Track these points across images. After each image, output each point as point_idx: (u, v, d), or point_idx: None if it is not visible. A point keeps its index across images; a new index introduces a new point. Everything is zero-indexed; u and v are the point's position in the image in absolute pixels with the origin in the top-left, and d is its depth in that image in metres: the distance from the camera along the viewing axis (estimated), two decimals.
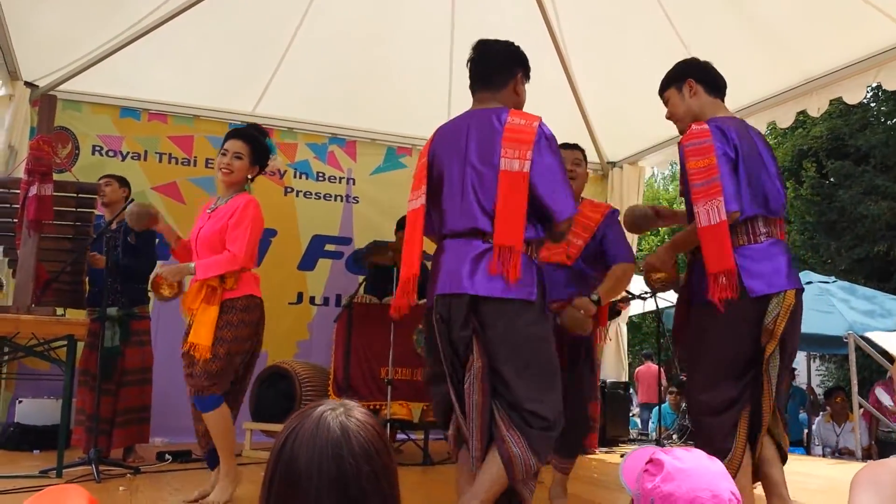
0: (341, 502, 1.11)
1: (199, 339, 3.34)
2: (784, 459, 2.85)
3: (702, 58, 3.08)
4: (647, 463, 1.54)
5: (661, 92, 3.09)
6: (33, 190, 3.95)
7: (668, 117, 3.09)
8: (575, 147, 3.53)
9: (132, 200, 4.61)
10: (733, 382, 2.71)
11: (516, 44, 2.82)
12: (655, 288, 3.25)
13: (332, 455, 1.12)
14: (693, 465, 1.51)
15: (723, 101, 3.03)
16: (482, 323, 2.51)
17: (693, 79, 2.97)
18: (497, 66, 2.77)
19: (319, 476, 1.11)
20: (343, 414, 1.18)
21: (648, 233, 20.72)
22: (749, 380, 2.74)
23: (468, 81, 2.82)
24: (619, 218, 3.44)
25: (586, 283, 3.27)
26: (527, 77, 2.84)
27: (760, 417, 2.73)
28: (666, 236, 19.47)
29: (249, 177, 3.63)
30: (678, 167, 3.02)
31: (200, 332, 3.35)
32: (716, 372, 2.73)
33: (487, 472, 2.47)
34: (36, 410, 5.14)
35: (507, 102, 2.72)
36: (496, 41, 2.80)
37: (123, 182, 4.93)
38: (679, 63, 3.08)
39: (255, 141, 3.66)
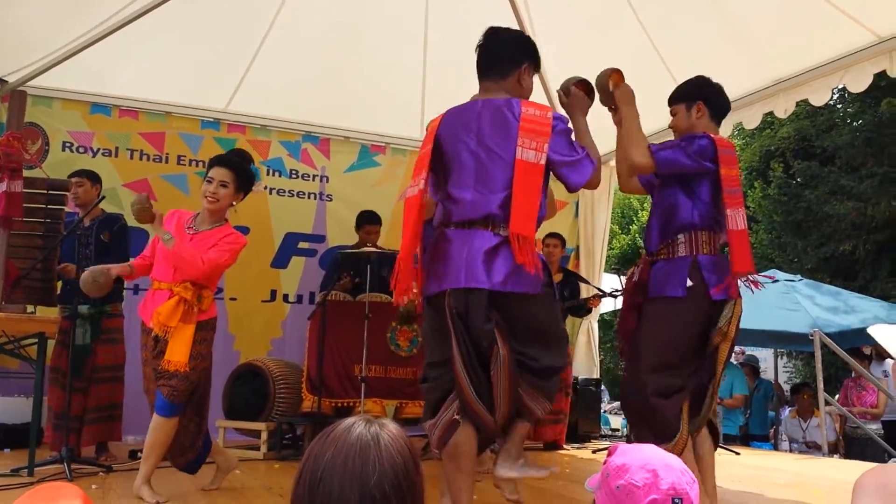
0: (363, 500, 1.10)
1: (176, 357, 3.40)
2: (716, 442, 3.14)
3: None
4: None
5: (671, 103, 3.22)
6: (3, 186, 3.91)
7: (671, 126, 3.25)
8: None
9: (103, 197, 4.58)
10: (679, 370, 2.93)
11: (526, 34, 2.81)
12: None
13: (358, 453, 1.12)
14: (647, 447, 1.60)
15: (719, 124, 3.19)
16: (503, 315, 2.56)
17: (703, 101, 3.11)
18: (503, 56, 2.76)
19: (343, 471, 1.11)
20: (376, 424, 1.19)
21: (619, 232, 20.86)
22: (691, 371, 2.97)
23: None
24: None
25: None
26: (535, 68, 2.84)
27: (703, 403, 3.02)
28: (637, 235, 19.63)
29: (234, 203, 3.66)
30: None
31: (178, 351, 3.41)
32: (668, 355, 2.93)
33: (517, 434, 2.71)
34: (5, 408, 5.09)
35: (511, 92, 2.71)
36: (506, 30, 2.80)
37: (95, 179, 4.83)
38: (695, 81, 3.19)
39: (239, 168, 3.66)
